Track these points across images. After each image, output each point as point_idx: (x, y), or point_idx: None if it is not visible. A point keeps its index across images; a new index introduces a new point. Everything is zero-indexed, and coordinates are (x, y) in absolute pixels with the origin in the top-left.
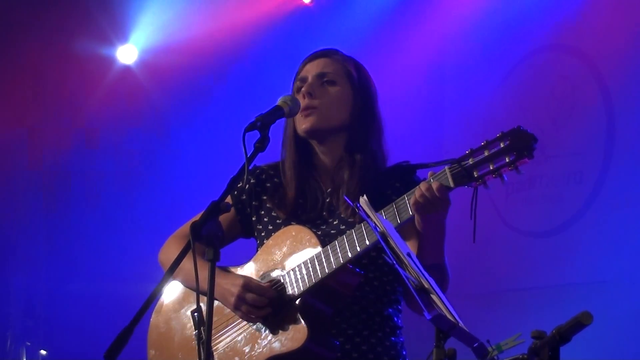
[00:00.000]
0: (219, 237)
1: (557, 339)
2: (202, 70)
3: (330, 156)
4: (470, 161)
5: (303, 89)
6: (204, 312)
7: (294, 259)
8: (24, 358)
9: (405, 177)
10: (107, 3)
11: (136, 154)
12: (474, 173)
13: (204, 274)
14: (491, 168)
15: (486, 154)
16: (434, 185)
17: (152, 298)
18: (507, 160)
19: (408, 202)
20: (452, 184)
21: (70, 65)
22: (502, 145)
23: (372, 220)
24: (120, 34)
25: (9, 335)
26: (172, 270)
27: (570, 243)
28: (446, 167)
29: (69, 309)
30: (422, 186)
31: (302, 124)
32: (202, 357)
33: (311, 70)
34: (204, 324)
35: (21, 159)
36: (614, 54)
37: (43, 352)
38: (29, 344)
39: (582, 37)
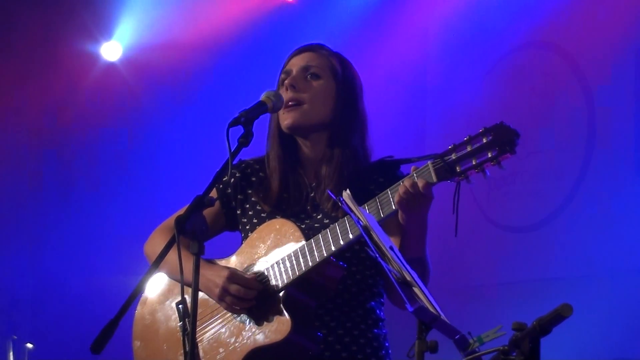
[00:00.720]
0: (203, 230)
1: (538, 331)
2: (186, 67)
3: (314, 151)
4: (453, 156)
5: (286, 81)
6: (189, 304)
7: (278, 252)
8: (11, 352)
9: (388, 171)
10: (93, 3)
11: (120, 149)
12: (457, 168)
13: (188, 267)
14: (474, 163)
15: (469, 149)
16: (419, 183)
17: (138, 290)
18: (489, 155)
19: (391, 197)
20: (434, 179)
21: (55, 62)
22: (484, 140)
23: (355, 214)
24: (105, 30)
25: None
26: (157, 263)
27: (550, 238)
28: (429, 162)
29: (54, 303)
30: (406, 182)
31: (285, 119)
32: (187, 349)
33: (296, 63)
34: (189, 316)
35: (9, 155)
36: (595, 50)
37: (29, 345)
38: (15, 337)
39: (563, 34)
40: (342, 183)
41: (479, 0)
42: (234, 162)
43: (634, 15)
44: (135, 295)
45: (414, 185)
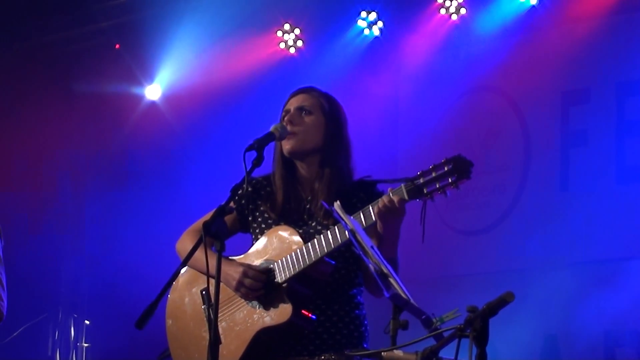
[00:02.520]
0: (224, 232)
1: (487, 312)
2: (213, 104)
3: (309, 171)
4: (421, 180)
5: (286, 117)
6: (212, 291)
7: (281, 252)
8: (72, 328)
9: (368, 189)
10: (137, 51)
11: (161, 173)
12: (424, 190)
13: (212, 262)
14: (437, 186)
15: (433, 175)
16: (395, 198)
17: (173, 279)
18: (449, 180)
19: (372, 210)
20: (407, 197)
21: (106, 101)
22: (446, 168)
23: (343, 220)
24: (147, 75)
25: (60, 310)
26: (188, 259)
27: (496, 239)
28: (402, 185)
29: (107, 286)
30: (385, 199)
31: (285, 146)
32: (213, 327)
33: (293, 103)
34: (212, 300)
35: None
36: (529, 92)
37: (87, 322)
38: (76, 316)
39: (505, 79)
40: (331, 196)
41: (438, 54)
42: (250, 180)
43: (560, 64)
44: (171, 282)
45: (391, 201)
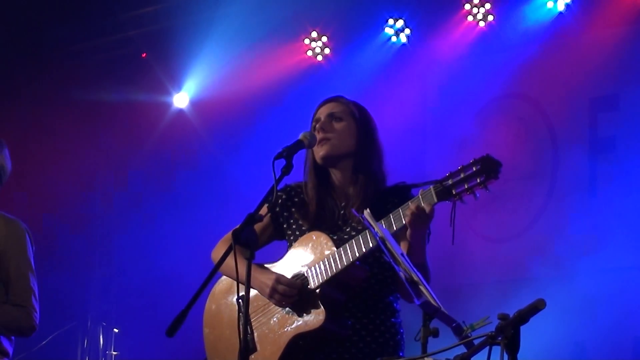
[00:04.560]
0: (254, 240)
1: (518, 320)
2: (240, 112)
3: (342, 177)
4: (450, 181)
5: (317, 125)
6: (244, 300)
7: (315, 258)
8: (101, 335)
9: (401, 194)
10: (165, 60)
11: (189, 181)
12: (453, 191)
13: (243, 270)
14: (466, 187)
15: (462, 175)
16: (424, 204)
17: (204, 287)
18: (478, 180)
19: (402, 214)
20: (435, 200)
21: (134, 111)
22: (474, 169)
23: (373, 228)
24: (175, 83)
25: (89, 318)
26: (218, 267)
27: (525, 246)
28: (431, 187)
29: (136, 295)
30: (414, 204)
31: (318, 152)
32: (241, 334)
33: (323, 111)
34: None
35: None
36: (556, 98)
37: (116, 330)
38: (104, 324)
39: (531, 85)
40: (366, 202)
41: (467, 58)
42: (281, 187)
43: (588, 70)
44: (201, 290)
45: (419, 206)
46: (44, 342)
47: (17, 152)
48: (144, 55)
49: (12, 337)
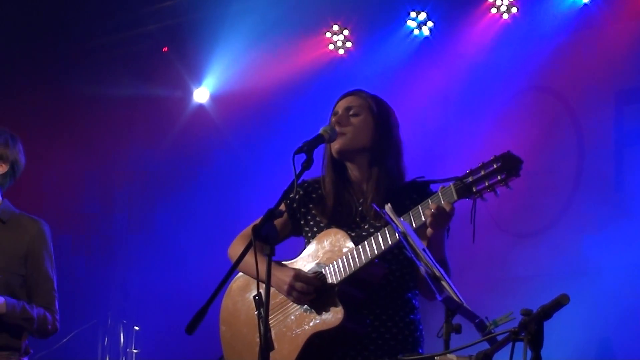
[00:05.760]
0: (274, 236)
1: (542, 316)
2: (261, 106)
3: (359, 172)
4: (470, 179)
5: (334, 119)
6: (263, 297)
7: (333, 255)
8: (122, 333)
9: (420, 190)
10: (185, 54)
11: (208, 176)
12: (473, 188)
13: (263, 267)
14: (487, 184)
15: (482, 173)
16: (444, 203)
17: (223, 284)
18: (499, 178)
19: (421, 211)
20: (455, 197)
21: (157, 104)
22: (495, 166)
23: (394, 222)
24: (195, 78)
25: (110, 316)
26: (238, 263)
27: (550, 242)
28: (451, 184)
29: (156, 293)
30: (434, 203)
31: (334, 146)
32: (262, 332)
33: (341, 105)
34: (263, 306)
35: (125, 176)
36: (581, 92)
37: (136, 328)
38: (125, 322)
39: (557, 80)
40: (380, 196)
41: (491, 51)
42: (298, 182)
43: (613, 63)
44: (220, 287)
45: (439, 206)
46: (65, 340)
47: (38, 149)
48: (165, 49)
49: (29, 336)
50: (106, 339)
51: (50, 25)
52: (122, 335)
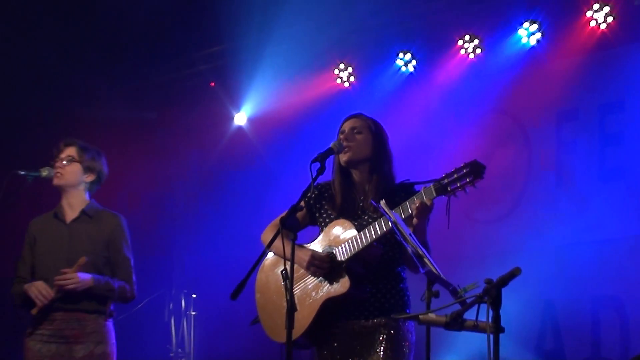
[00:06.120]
0: (296, 226)
1: (500, 283)
2: (286, 127)
3: (361, 177)
4: (446, 180)
5: (342, 136)
6: (288, 271)
7: (341, 239)
8: (183, 300)
9: (407, 189)
10: (228, 87)
11: (249, 178)
12: (448, 188)
13: (288, 248)
14: (458, 185)
15: (455, 176)
16: (425, 199)
17: (258, 262)
18: (467, 180)
19: (408, 206)
20: (434, 195)
21: (203, 129)
22: (465, 171)
23: (388, 214)
24: (237, 104)
25: (174, 286)
26: (269, 246)
27: (507, 227)
28: (431, 185)
29: (209, 269)
30: (418, 199)
31: (342, 157)
32: (288, 298)
33: (347, 125)
34: (289, 278)
35: (185, 181)
36: (530, 112)
37: (194, 295)
38: (185, 291)
39: (512, 103)
40: (378, 196)
41: (461, 84)
42: (314, 185)
43: (554, 90)
44: (256, 265)
45: (422, 202)
46: (140, 305)
47: (120, 164)
48: (211, 84)
49: (113, 302)
50: (171, 304)
51: (123, 66)
52: (183, 301)
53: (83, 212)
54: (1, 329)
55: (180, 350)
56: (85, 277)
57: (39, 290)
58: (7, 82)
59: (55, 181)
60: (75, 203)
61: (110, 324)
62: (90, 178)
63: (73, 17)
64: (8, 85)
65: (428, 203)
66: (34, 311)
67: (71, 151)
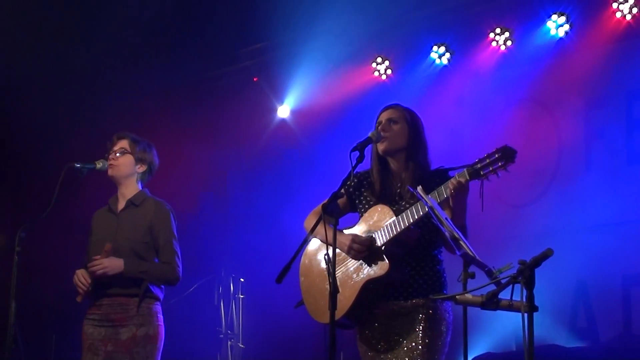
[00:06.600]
0: (337, 212)
1: (534, 264)
2: (327, 118)
3: (397, 165)
4: (479, 165)
5: (379, 127)
6: (330, 255)
7: (380, 223)
8: (231, 284)
9: (442, 175)
10: (271, 81)
11: (292, 168)
12: (481, 172)
13: (330, 233)
14: (491, 169)
15: (487, 161)
16: (461, 179)
17: (301, 247)
18: (499, 164)
19: (444, 190)
20: (468, 178)
21: (249, 122)
22: (496, 155)
23: (424, 199)
24: (280, 98)
25: (223, 271)
26: (312, 231)
27: (539, 210)
28: (465, 169)
29: (256, 255)
30: (453, 180)
31: (380, 146)
32: (330, 280)
33: (384, 116)
34: (331, 261)
35: (232, 173)
36: (559, 100)
37: (242, 279)
38: (234, 275)
39: (542, 92)
40: (415, 182)
41: (493, 74)
42: (354, 173)
43: (582, 78)
44: (299, 250)
45: (458, 182)
46: (191, 289)
47: (169, 157)
48: (255, 79)
49: (162, 286)
50: (220, 288)
51: (173, 67)
52: (231, 285)
53: (130, 201)
54: (68, 315)
55: (229, 331)
56: (114, 262)
57: (78, 278)
58: (64, 80)
59: (110, 172)
60: (127, 193)
61: (156, 307)
62: (142, 169)
63: (130, 13)
64: (68, 84)
65: (462, 180)
66: (78, 298)
67: (124, 144)
